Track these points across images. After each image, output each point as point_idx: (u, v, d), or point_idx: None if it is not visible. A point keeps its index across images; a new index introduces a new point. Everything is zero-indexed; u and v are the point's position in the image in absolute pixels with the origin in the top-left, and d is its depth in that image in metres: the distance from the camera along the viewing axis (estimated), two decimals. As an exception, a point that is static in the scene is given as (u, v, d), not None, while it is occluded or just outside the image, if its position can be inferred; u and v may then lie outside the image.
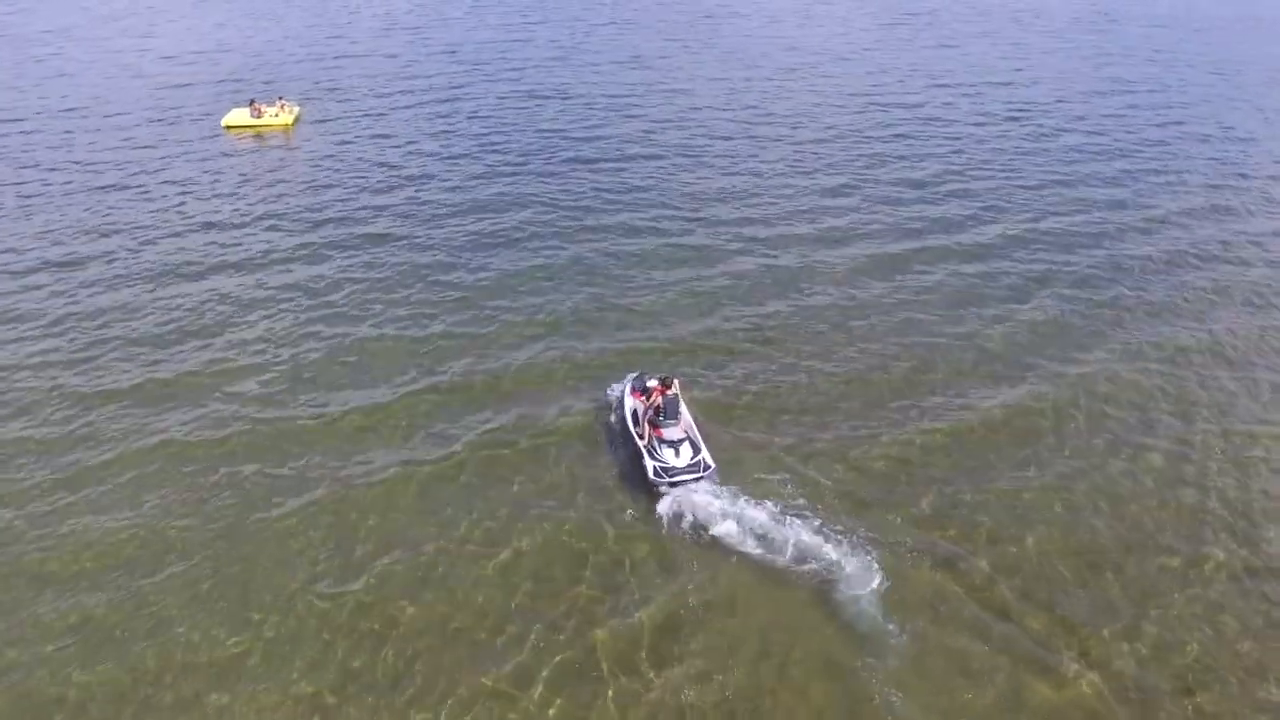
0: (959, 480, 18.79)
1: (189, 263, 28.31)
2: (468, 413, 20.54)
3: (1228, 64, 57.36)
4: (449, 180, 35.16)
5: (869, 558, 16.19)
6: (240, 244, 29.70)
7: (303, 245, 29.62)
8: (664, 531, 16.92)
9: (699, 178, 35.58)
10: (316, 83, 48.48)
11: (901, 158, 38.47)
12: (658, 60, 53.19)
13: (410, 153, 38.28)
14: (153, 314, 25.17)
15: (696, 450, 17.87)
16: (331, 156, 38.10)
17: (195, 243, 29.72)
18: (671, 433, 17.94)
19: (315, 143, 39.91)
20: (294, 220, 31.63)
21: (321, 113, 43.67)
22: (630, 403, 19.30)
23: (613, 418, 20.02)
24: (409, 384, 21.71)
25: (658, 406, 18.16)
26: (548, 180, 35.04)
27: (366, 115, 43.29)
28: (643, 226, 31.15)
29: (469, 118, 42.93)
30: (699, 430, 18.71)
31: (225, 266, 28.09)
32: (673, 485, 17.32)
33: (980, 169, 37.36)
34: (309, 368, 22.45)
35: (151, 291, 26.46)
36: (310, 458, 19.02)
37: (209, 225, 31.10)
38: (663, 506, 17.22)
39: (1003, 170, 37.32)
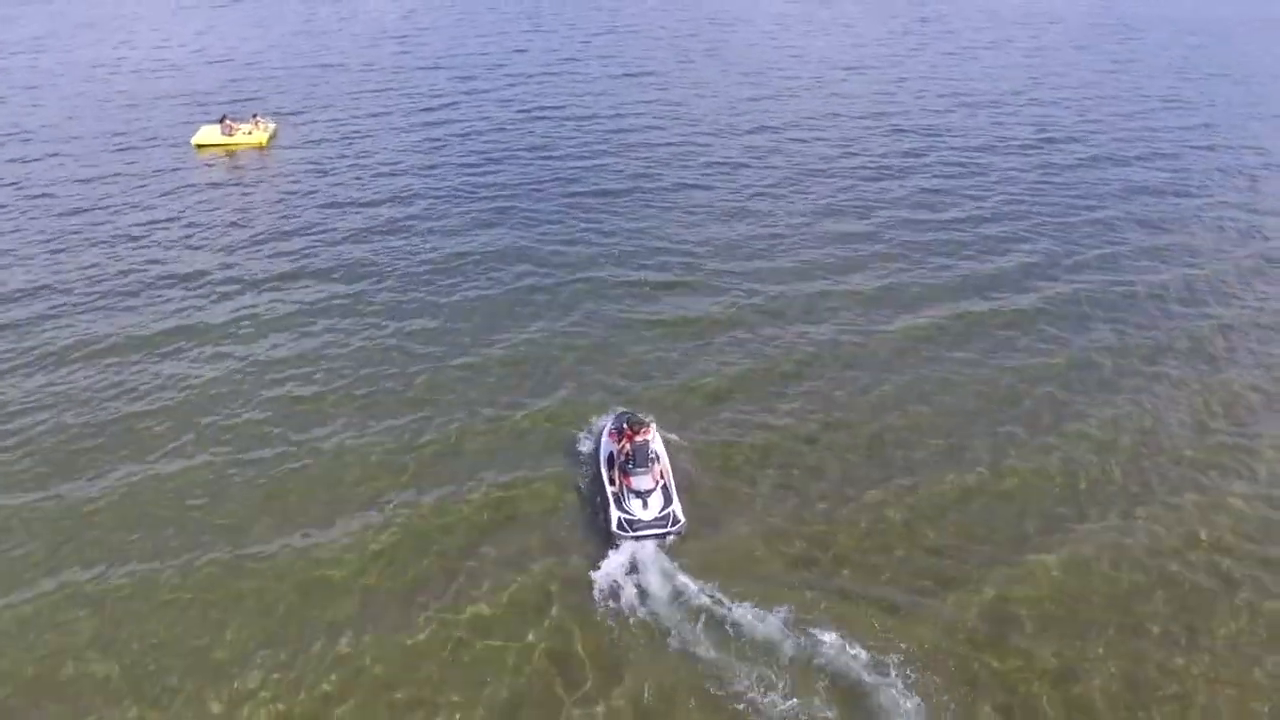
0: (968, 558, 16.82)
1: (148, 294, 26.61)
2: (442, 456, 19.53)
3: (1253, 74, 55.09)
4: (431, 208, 33.07)
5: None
6: (204, 274, 27.85)
7: (269, 278, 27.69)
8: (609, 606, 15.60)
9: (697, 205, 33.49)
10: (296, 96, 46.39)
11: (915, 182, 36.32)
12: (658, 73, 51.07)
13: (391, 175, 36.17)
14: (108, 351, 23.57)
15: (668, 502, 17.09)
16: (306, 177, 36.05)
17: (155, 273, 27.89)
18: (641, 482, 17.12)
19: (290, 162, 37.83)
20: (262, 250, 29.65)
21: (299, 129, 41.58)
22: (606, 444, 18.58)
23: (588, 458, 19.10)
24: (373, 428, 20.45)
25: (627, 453, 17.41)
26: (538, 209, 32.91)
27: (347, 132, 41.20)
28: (637, 256, 29.16)
29: (457, 136, 40.80)
30: (676, 479, 17.84)
31: (187, 301, 26.26)
32: (638, 539, 16.50)
33: (1001, 195, 35.18)
34: (269, 407, 21.21)
35: (109, 321, 25.00)
36: (260, 520, 17.73)
37: (170, 254, 29.17)
38: (615, 563, 16.21)
39: (1024, 198, 35.11)
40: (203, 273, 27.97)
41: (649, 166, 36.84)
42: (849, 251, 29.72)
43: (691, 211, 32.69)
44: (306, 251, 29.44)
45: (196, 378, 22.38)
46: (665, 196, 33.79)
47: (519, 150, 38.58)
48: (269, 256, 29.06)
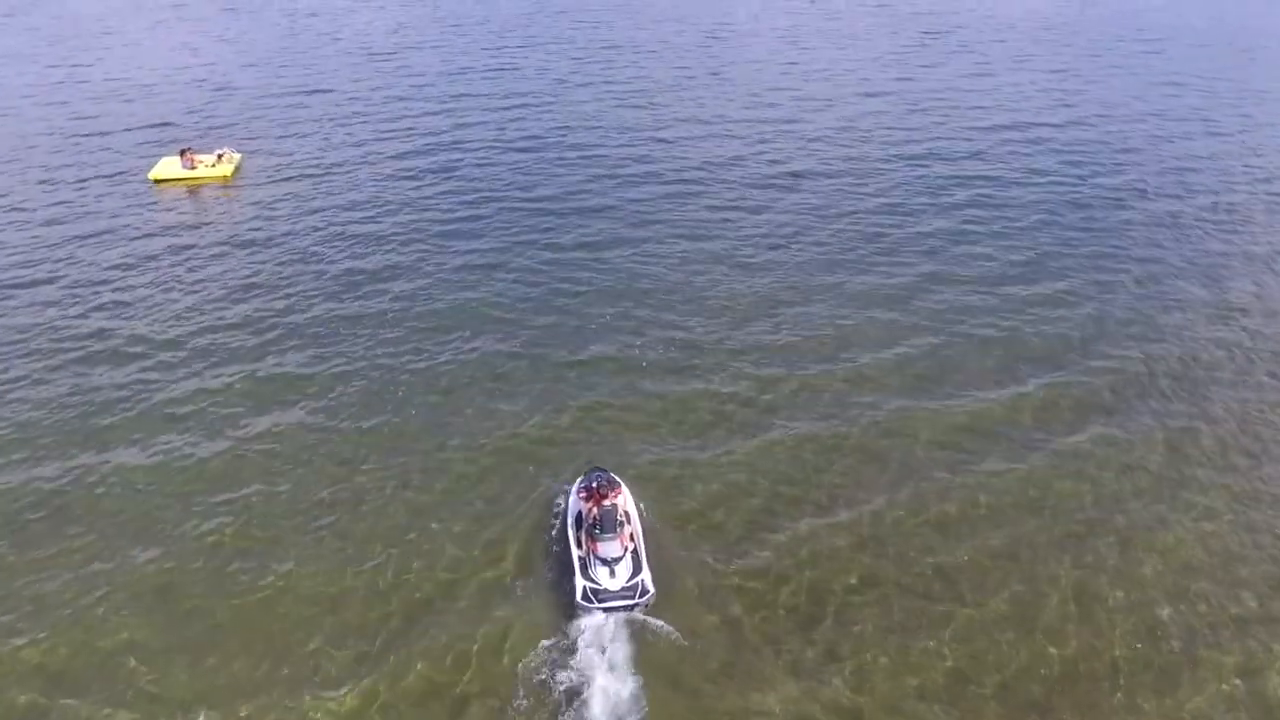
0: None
1: (94, 345, 24.78)
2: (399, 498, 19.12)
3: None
4: (405, 259, 30.41)
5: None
6: (157, 327, 25.76)
7: (229, 332, 25.47)
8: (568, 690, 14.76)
9: (698, 260, 30.57)
10: (267, 123, 43.64)
11: (937, 224, 33.48)
12: (657, 98, 48.16)
13: (365, 217, 33.49)
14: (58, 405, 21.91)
15: (637, 570, 16.54)
16: (272, 218, 33.47)
17: (105, 323, 25.92)
18: (609, 549, 16.57)
19: (256, 200, 35.15)
20: (222, 301, 27.31)
21: (268, 160, 38.77)
22: (575, 503, 18.03)
23: (557, 519, 18.38)
24: (334, 483, 19.77)
25: (595, 517, 16.92)
26: (520, 264, 30.07)
27: (319, 164, 38.44)
28: (632, 329, 26.23)
29: (439, 170, 38.04)
30: (647, 543, 17.25)
31: (135, 354, 24.35)
32: (605, 611, 15.96)
33: (1038, 243, 32.27)
34: (226, 459, 20.35)
35: (52, 374, 23.35)
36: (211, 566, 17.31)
37: (116, 314, 26.67)
38: (580, 631, 15.69)
39: (1066, 248, 32.21)
40: (147, 338, 25.31)
41: (647, 210, 33.99)
42: (865, 315, 26.87)
43: (692, 265, 29.84)
44: (266, 312, 26.91)
45: (147, 467, 20.14)
46: (665, 248, 30.87)
47: (504, 189, 35.80)
48: (222, 326, 26.17)
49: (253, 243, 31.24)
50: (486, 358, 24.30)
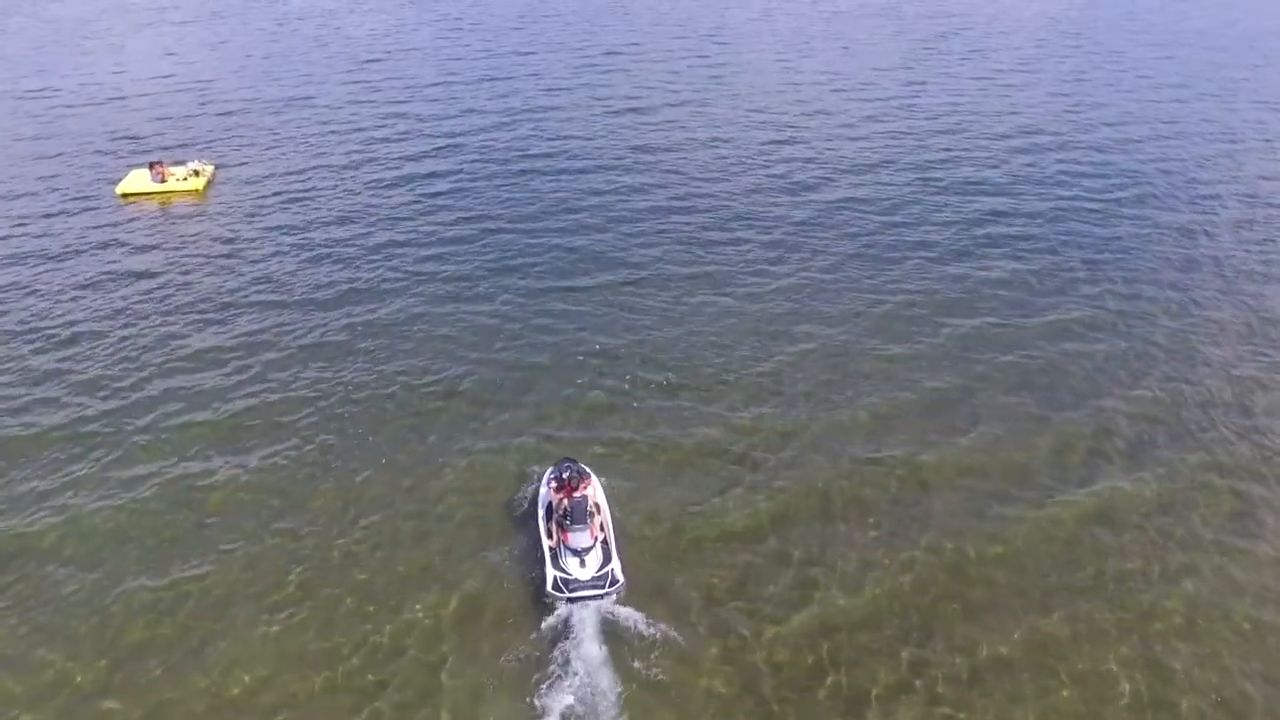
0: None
1: (51, 377, 23.48)
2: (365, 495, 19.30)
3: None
4: (386, 281, 29.08)
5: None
6: (118, 356, 24.49)
7: (192, 364, 24.22)
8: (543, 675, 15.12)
9: (693, 272, 29.41)
10: (245, 133, 42.41)
11: (964, 268, 31.97)
12: (655, 110, 46.74)
13: (348, 232, 32.47)
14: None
15: (607, 560, 16.86)
16: (246, 234, 32.47)
17: (61, 351, 24.76)
18: (579, 539, 16.91)
19: (230, 215, 33.92)
20: (188, 328, 26.06)
21: (243, 172, 37.58)
22: (545, 495, 18.36)
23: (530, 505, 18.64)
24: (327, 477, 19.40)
25: (565, 508, 17.22)
26: (503, 293, 28.51)
27: (298, 178, 37.16)
28: (617, 323, 25.04)
29: (423, 191, 36.71)
30: (618, 534, 17.63)
31: (101, 381, 23.14)
32: (572, 600, 16.25)
33: (1078, 286, 30.79)
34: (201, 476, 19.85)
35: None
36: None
37: (80, 338, 25.49)
38: (551, 622, 16.10)
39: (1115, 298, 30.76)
40: (110, 379, 23.85)
41: (641, 230, 32.70)
42: (875, 346, 25.46)
43: (690, 291, 28.48)
44: (235, 341, 25.58)
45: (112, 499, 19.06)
46: (658, 272, 29.51)
47: (491, 208, 34.35)
48: (186, 356, 24.84)
49: (224, 264, 30.01)
50: (468, 388, 23.15)
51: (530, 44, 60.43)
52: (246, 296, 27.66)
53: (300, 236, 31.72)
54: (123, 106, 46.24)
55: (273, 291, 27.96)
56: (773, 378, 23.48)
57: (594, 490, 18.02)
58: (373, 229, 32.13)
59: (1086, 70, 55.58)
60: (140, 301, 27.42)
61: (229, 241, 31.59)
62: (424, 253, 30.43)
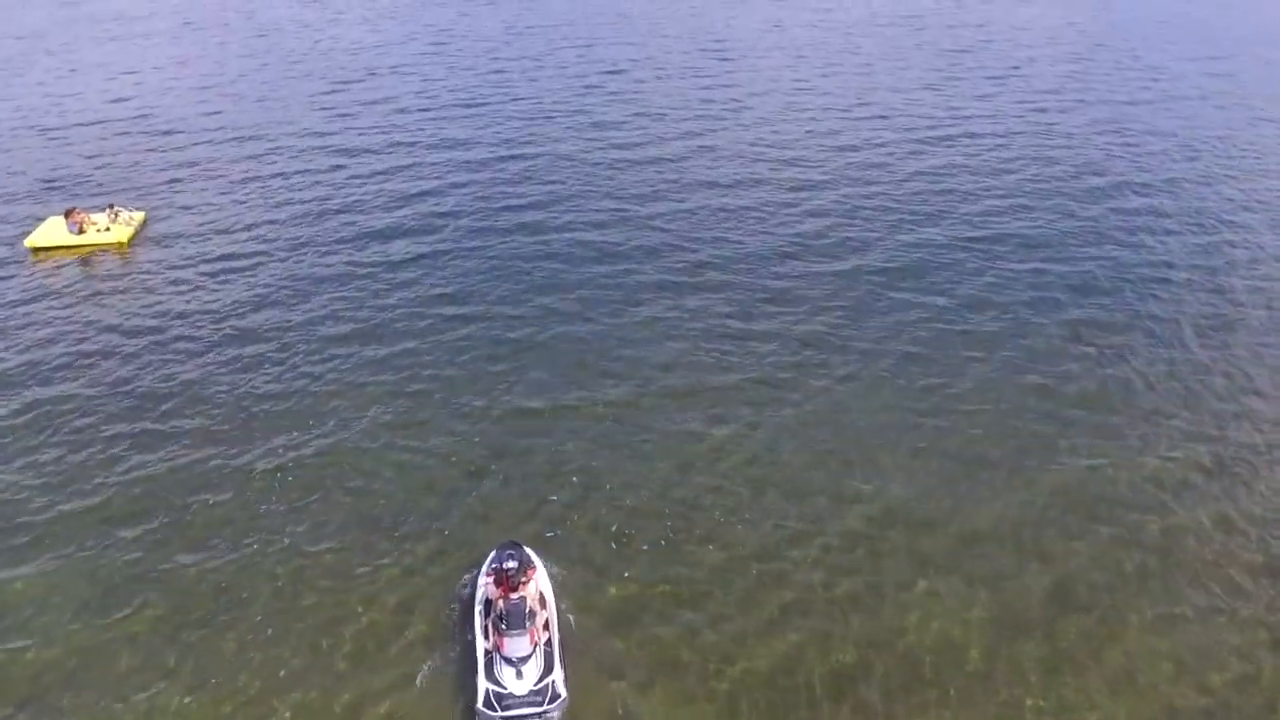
0: None
1: None
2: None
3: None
4: (347, 341, 25.65)
5: None
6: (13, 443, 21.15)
7: (102, 457, 20.81)
8: None
9: (691, 323, 24.90)
10: (192, 168, 38.07)
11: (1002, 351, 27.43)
12: (658, 143, 42.12)
13: (298, 291, 28.60)
14: None
15: (548, 669, 15.38)
16: (178, 294, 28.45)
17: None
18: (516, 646, 15.34)
19: (159, 271, 30.34)
20: (101, 413, 22.47)
21: (182, 219, 33.32)
22: (483, 585, 16.77)
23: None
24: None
25: (500, 611, 15.61)
26: (489, 358, 24.71)
27: (246, 224, 33.24)
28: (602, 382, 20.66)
29: (396, 235, 32.41)
30: (566, 635, 16.18)
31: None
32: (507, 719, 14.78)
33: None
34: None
35: None
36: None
37: None
38: None
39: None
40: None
41: (635, 281, 28.25)
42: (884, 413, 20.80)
43: (686, 340, 23.96)
44: (163, 421, 22.05)
45: None
46: (651, 327, 25.12)
47: (466, 289, 28.73)
48: (99, 441, 21.33)
49: (150, 334, 26.18)
50: (428, 465, 20.25)
51: (520, 63, 55.78)
52: (168, 373, 24.09)
53: (242, 295, 27.86)
54: (53, 139, 41.82)
55: (198, 364, 24.52)
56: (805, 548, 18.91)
57: (539, 583, 16.54)
58: (323, 305, 27.51)
59: (1132, 89, 50.63)
60: (44, 373, 23.89)
61: (157, 303, 27.71)
62: (386, 316, 26.36)
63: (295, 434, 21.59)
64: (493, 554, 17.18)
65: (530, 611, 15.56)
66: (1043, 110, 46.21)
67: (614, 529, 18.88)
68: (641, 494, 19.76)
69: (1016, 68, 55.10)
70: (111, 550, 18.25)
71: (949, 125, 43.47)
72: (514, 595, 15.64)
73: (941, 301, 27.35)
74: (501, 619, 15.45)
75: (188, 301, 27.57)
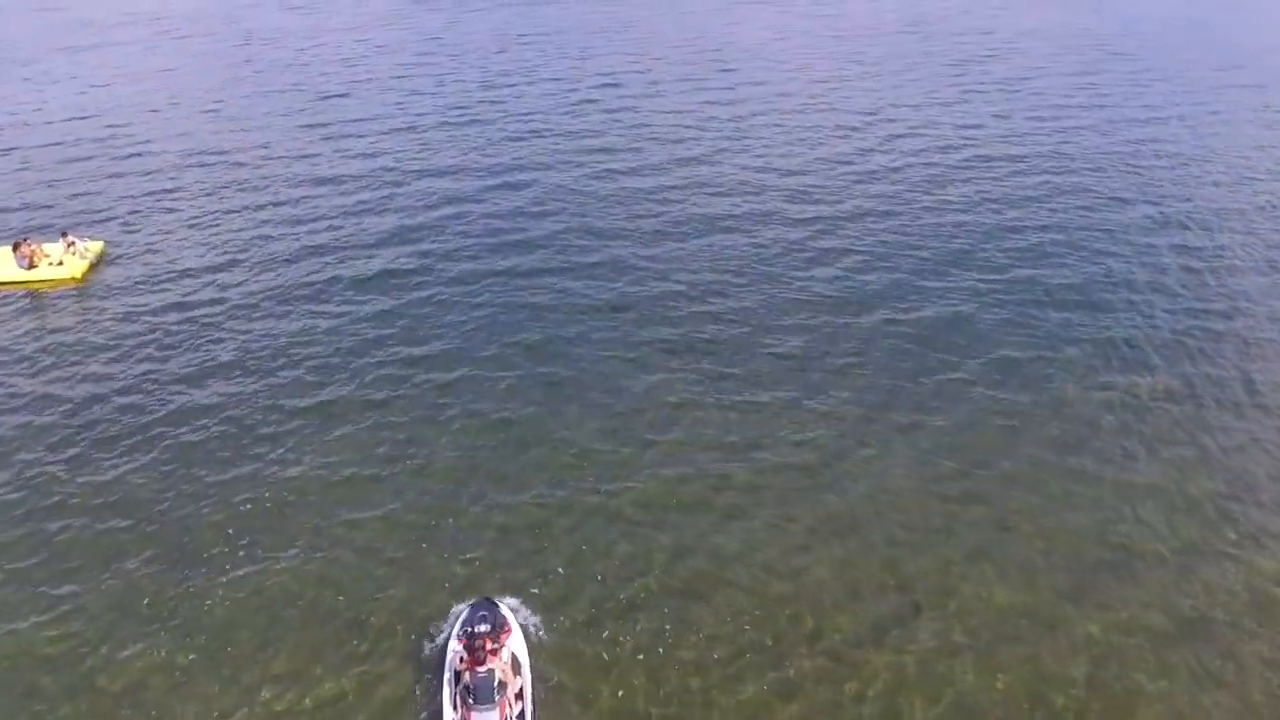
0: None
1: None
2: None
3: None
4: (313, 386, 23.52)
5: None
6: None
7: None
8: None
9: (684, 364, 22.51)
10: (163, 192, 35.74)
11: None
12: (667, 166, 39.89)
13: (266, 330, 26.36)
14: None
15: None
16: (138, 332, 26.18)
17: None
18: None
19: (118, 307, 28.19)
20: (52, 464, 20.46)
21: (144, 250, 31.03)
22: (454, 649, 15.59)
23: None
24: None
25: (467, 684, 14.65)
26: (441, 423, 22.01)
27: (213, 254, 30.98)
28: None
29: (374, 269, 30.11)
30: (535, 701, 14.94)
31: None
32: None
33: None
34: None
35: None
36: None
37: None
38: None
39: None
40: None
41: (625, 330, 25.83)
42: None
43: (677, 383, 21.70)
44: (116, 484, 19.87)
45: None
46: (642, 368, 22.71)
47: (445, 337, 26.48)
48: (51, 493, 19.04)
49: (98, 381, 23.75)
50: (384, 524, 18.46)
51: (510, 77, 53.38)
52: (126, 421, 22.19)
53: (204, 333, 25.52)
54: (7, 159, 39.32)
55: (157, 409, 21.95)
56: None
57: (513, 646, 15.47)
58: (291, 363, 24.99)
59: (1147, 96, 48.51)
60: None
61: (104, 355, 25.16)
62: (339, 424, 23.43)
63: (250, 504, 19.39)
64: (465, 613, 16.17)
65: (500, 683, 14.64)
66: (1061, 129, 44.04)
67: (601, 585, 17.50)
68: (636, 569, 17.86)
69: (1027, 78, 52.98)
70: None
71: (964, 147, 41.26)
72: (481, 669, 14.73)
73: (975, 365, 24.81)
74: (470, 693, 14.58)
75: (143, 347, 25.30)
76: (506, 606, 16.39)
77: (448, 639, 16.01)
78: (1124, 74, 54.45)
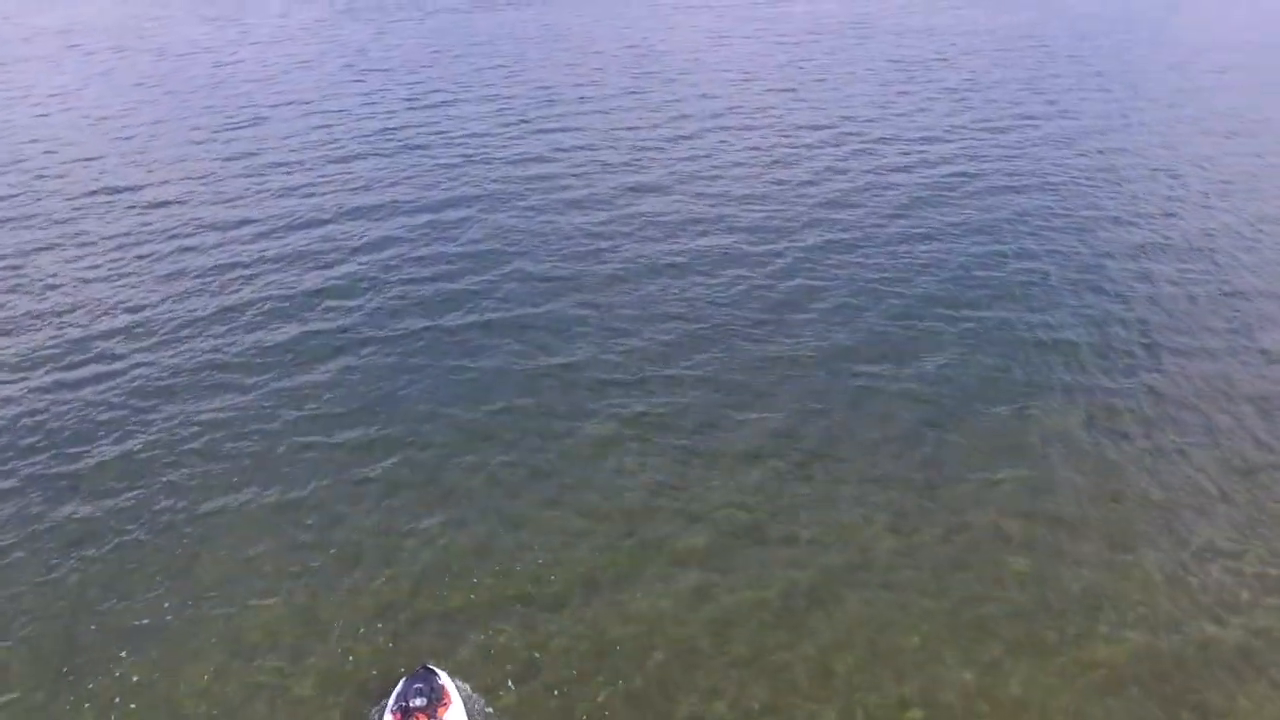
0: None
1: None
2: None
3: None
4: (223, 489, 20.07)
5: None
6: None
7: None
8: None
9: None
10: (57, 226, 32.42)
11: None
12: (618, 196, 37.52)
13: (179, 398, 23.14)
14: None
15: None
16: (19, 398, 22.56)
17: None
18: None
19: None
20: None
21: (32, 294, 27.94)
22: None
23: None
24: None
25: None
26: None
27: (112, 300, 27.79)
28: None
29: (301, 297, 27.19)
30: None
31: None
32: None
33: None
34: None
35: None
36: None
37: None
38: None
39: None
40: None
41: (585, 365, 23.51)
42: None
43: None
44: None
45: None
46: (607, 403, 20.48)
47: (384, 367, 24.90)
48: None
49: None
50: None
51: (441, 94, 50.61)
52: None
53: (89, 430, 22.42)
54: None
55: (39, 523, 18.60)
56: None
57: (453, 718, 14.31)
58: (199, 427, 22.45)
59: (1095, 94, 47.50)
60: None
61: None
62: (262, 496, 20.92)
63: (163, 588, 16.74)
64: (400, 685, 14.90)
65: None
66: (1005, 130, 42.82)
67: (551, 657, 15.84)
68: (587, 641, 16.18)
69: (972, 79, 51.73)
70: None
71: (916, 149, 39.77)
72: None
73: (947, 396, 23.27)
74: None
75: (26, 413, 22.31)
76: (447, 676, 15.10)
77: (382, 713, 14.75)
78: (1074, 76, 53.55)
